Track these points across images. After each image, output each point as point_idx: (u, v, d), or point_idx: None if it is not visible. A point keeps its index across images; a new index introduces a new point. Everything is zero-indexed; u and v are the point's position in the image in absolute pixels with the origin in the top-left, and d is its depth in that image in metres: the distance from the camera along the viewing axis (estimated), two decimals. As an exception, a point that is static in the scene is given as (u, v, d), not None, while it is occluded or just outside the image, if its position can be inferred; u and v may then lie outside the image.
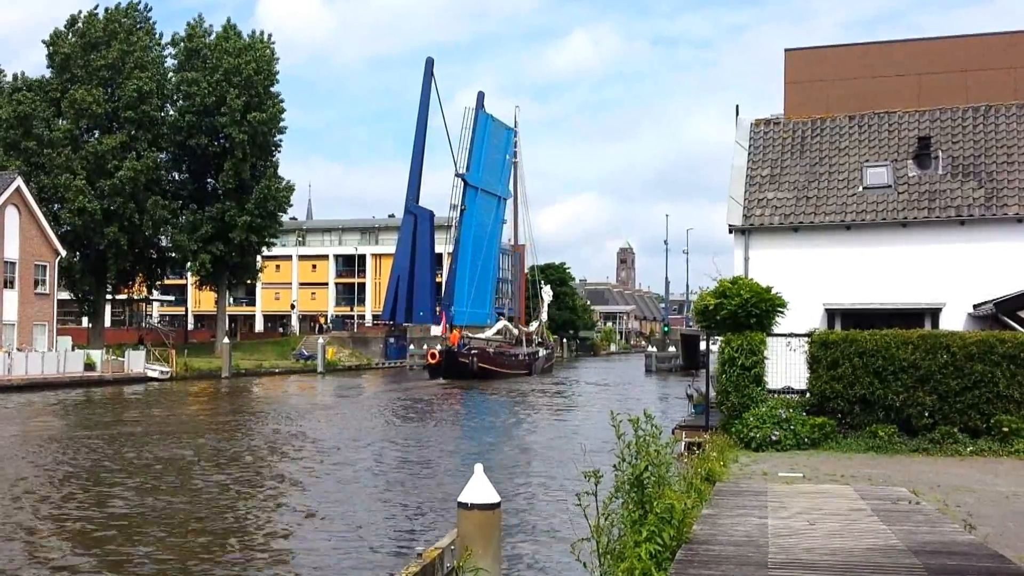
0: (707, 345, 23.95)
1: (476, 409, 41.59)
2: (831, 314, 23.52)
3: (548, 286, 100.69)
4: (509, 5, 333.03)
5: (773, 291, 19.03)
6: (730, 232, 25.09)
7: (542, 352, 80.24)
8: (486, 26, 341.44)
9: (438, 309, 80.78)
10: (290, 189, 73.57)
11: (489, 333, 77.76)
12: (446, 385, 56.53)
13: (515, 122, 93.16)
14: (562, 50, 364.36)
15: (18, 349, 50.44)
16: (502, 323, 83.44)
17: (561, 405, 43.39)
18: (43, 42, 66.43)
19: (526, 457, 24.55)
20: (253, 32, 72.92)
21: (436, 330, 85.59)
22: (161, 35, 71.41)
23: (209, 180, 72.77)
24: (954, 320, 22.35)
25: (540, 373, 73.42)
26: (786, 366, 18.73)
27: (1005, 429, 16.50)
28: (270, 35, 73.41)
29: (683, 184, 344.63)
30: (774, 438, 17.00)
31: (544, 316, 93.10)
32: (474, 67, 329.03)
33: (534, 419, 35.89)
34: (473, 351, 65.37)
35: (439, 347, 65.31)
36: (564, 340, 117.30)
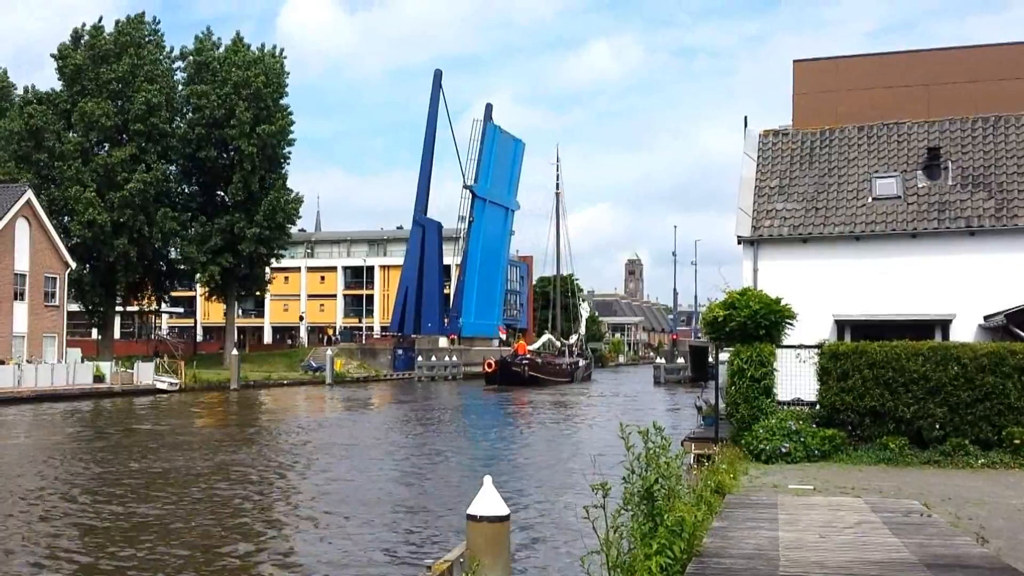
0: (716, 356, 23.88)
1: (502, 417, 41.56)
2: (841, 325, 23.45)
3: (585, 302, 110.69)
4: (530, 16, 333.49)
5: (782, 302, 18.97)
6: (739, 243, 25.04)
7: (582, 362, 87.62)
8: (507, 37, 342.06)
9: (499, 327, 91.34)
10: (299, 201, 73.83)
11: (536, 345, 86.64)
12: (499, 390, 64.74)
13: (557, 157, 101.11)
14: (582, 60, 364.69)
15: (28, 361, 50.59)
16: (547, 336, 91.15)
17: (584, 415, 43.30)
18: (51, 55, 66.87)
19: (537, 467, 24.49)
20: (262, 45, 73.38)
21: (444, 341, 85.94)
22: (172, 49, 71.95)
23: (218, 192, 73.03)
24: (965, 331, 22.25)
25: (580, 381, 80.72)
26: (796, 378, 18.65)
27: (1017, 441, 16.39)
28: (282, 49, 73.82)
29: (699, 195, 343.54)
30: (784, 450, 16.92)
31: (583, 330, 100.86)
32: (494, 78, 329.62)
33: (554, 427, 35.85)
34: (524, 360, 73.58)
35: (528, 356, 76.12)
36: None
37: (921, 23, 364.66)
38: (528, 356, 76.67)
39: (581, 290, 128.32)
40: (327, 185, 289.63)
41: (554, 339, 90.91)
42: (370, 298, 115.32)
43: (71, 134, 65.13)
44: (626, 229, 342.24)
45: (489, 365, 72.71)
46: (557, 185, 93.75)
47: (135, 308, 79.11)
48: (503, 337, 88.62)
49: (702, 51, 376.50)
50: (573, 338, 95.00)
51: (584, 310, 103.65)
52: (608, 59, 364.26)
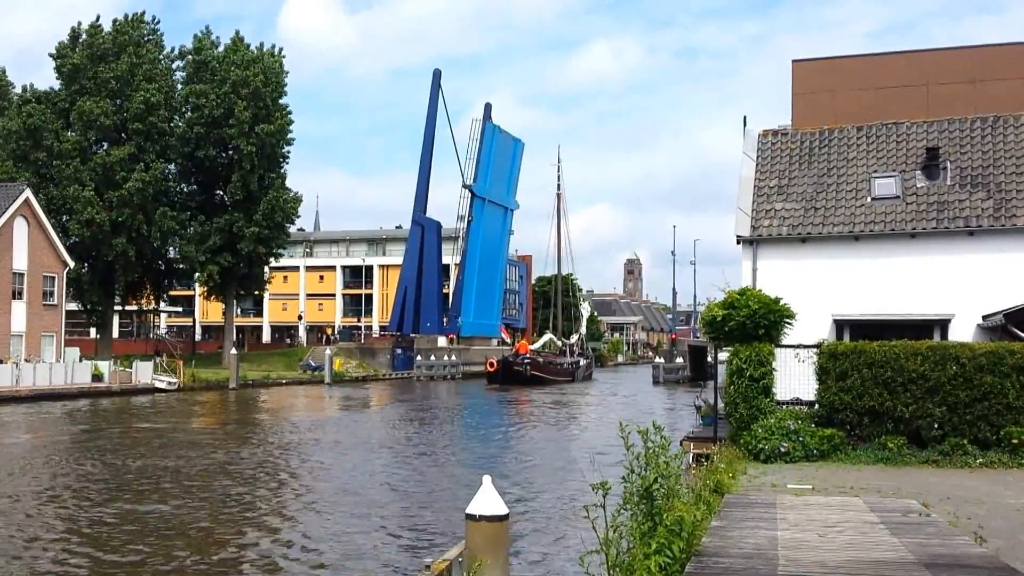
0: (715, 356, 23.89)
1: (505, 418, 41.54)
2: (840, 325, 23.44)
3: (587, 303, 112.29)
4: (531, 17, 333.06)
5: (781, 302, 18.97)
6: (738, 243, 25.04)
7: (583, 362, 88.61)
8: (507, 37, 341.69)
9: (501, 328, 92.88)
10: (298, 200, 73.82)
11: (537, 345, 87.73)
12: (501, 389, 65.74)
13: (558, 159, 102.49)
14: (582, 61, 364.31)
15: (26, 360, 50.55)
16: (548, 336, 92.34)
17: (584, 415, 43.34)
18: (49, 55, 66.86)
19: (538, 466, 24.49)
20: (261, 45, 73.36)
21: (442, 341, 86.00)
22: (173, 49, 71.95)
23: (217, 191, 73.01)
24: (963, 331, 22.25)
25: (581, 380, 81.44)
26: (795, 377, 18.65)
27: (1015, 441, 16.41)
28: (280, 48, 73.82)
29: (700, 196, 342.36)
30: (783, 450, 16.94)
31: (583, 329, 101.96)
32: (494, 78, 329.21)
33: (554, 426, 35.87)
34: (526, 360, 74.53)
35: (530, 356, 77.59)
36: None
37: (922, 24, 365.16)
38: (530, 356, 77.63)
39: (580, 290, 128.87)
40: (327, 185, 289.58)
41: (555, 339, 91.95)
42: (369, 297, 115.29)
43: (70, 133, 65.08)
44: (626, 229, 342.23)
45: (491, 364, 74.22)
46: (558, 186, 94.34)
47: (134, 307, 79.07)
48: (507, 339, 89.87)
49: (703, 52, 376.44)
50: (574, 337, 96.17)
51: (585, 310, 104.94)
52: (609, 59, 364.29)
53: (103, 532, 15.85)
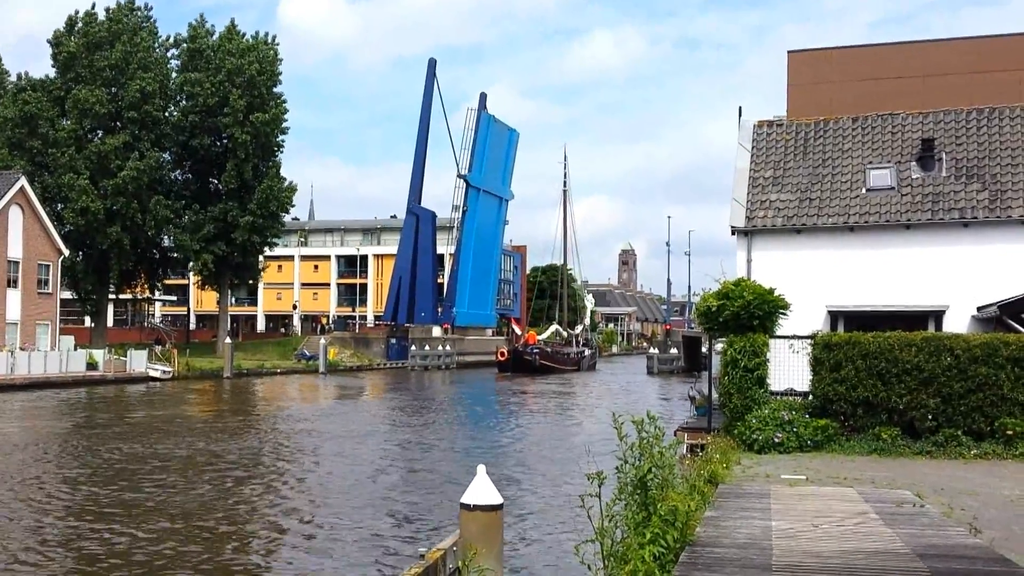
0: (709, 347, 23.90)
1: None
2: (834, 316, 23.46)
3: (590, 294, 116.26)
4: (533, 6, 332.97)
5: (776, 293, 18.98)
6: (733, 234, 25.03)
7: (587, 352, 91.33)
8: (509, 27, 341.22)
9: (513, 319, 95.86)
10: (292, 189, 73.67)
11: (544, 335, 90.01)
12: (511, 377, 68.23)
13: (564, 156, 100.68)
14: (584, 52, 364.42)
15: (21, 348, 50.46)
16: (554, 326, 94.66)
17: (585, 405, 43.43)
18: (47, 41, 66.59)
19: (532, 456, 24.51)
20: (256, 33, 73.03)
21: (437, 331, 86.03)
22: (169, 37, 71.74)
23: (212, 180, 72.82)
24: (958, 322, 22.29)
25: (586, 370, 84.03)
26: (789, 368, 18.69)
27: (1009, 432, 16.44)
28: (274, 36, 73.50)
29: (701, 187, 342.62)
30: (777, 440, 16.96)
31: (588, 321, 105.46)
32: (496, 69, 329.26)
33: (558, 415, 35.95)
34: (535, 350, 77.19)
35: (539, 346, 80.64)
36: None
37: (921, 15, 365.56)
38: (538, 346, 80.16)
39: (575, 280, 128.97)
40: (326, 176, 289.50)
41: (560, 329, 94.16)
42: (364, 287, 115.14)
43: (65, 121, 64.87)
44: (625, 220, 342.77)
45: (502, 354, 76.90)
46: (564, 183, 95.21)
47: (128, 296, 78.91)
48: (518, 331, 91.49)
49: (705, 42, 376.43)
50: (579, 328, 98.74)
51: (589, 302, 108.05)
52: (610, 50, 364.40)
53: (104, 520, 15.83)
